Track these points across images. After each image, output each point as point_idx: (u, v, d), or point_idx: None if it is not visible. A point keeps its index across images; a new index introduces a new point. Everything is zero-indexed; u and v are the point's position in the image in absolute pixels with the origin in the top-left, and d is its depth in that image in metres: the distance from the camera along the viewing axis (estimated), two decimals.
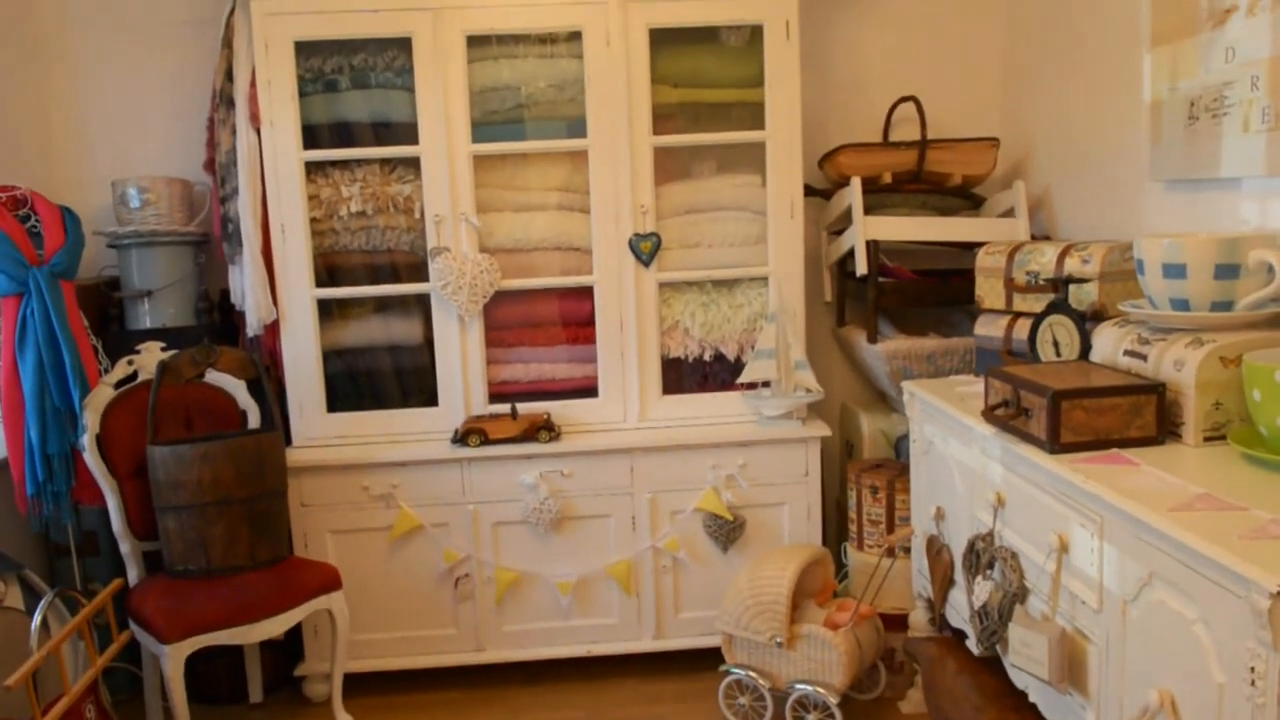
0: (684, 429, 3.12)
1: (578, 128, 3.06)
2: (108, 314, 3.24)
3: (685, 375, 3.24)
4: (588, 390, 3.18)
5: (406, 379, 3.22)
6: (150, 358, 2.93)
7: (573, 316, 3.18)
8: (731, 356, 3.21)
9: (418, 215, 3.08)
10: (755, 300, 3.17)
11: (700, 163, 3.21)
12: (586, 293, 3.13)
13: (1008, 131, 3.44)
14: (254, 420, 3.03)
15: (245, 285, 3.00)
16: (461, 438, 3.03)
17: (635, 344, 3.12)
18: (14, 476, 2.81)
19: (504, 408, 3.10)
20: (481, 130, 3.04)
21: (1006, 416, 2.13)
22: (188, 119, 3.32)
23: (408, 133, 3.04)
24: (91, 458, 2.79)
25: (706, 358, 3.20)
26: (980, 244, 2.95)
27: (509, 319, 3.16)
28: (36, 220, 2.83)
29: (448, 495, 3.04)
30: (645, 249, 3.08)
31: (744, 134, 3.09)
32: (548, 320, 3.18)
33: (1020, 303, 2.72)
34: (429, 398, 3.16)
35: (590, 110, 3.03)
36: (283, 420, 3.14)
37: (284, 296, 3.06)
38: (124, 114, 3.37)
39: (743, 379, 3.14)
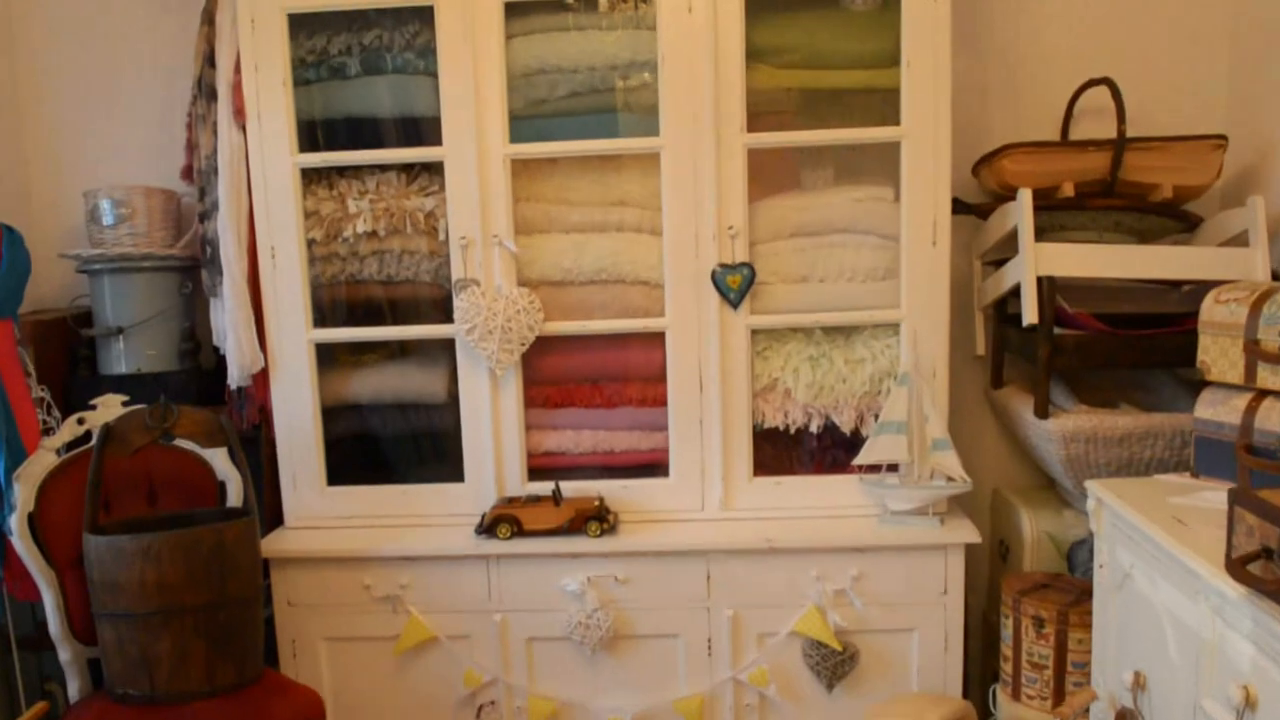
0: (780, 523, 2.48)
1: (648, 123, 2.47)
2: (76, 355, 2.83)
3: (785, 451, 2.60)
4: (655, 468, 2.57)
5: (426, 446, 2.67)
6: (106, 415, 2.49)
7: (638, 370, 2.58)
8: (847, 428, 2.56)
9: (443, 237, 2.54)
10: (881, 354, 2.52)
11: (811, 169, 2.57)
12: (656, 340, 2.52)
13: (1238, 126, 2.67)
14: (235, 494, 2.56)
15: (226, 324, 2.53)
16: (488, 527, 2.48)
17: (718, 409, 2.51)
18: None
19: (546, 487, 2.54)
20: (523, 126, 2.47)
21: (1272, 582, 1.45)
22: (178, 117, 2.85)
23: (433, 130, 2.51)
24: (22, 543, 2.33)
25: (813, 429, 2.56)
26: (1193, 282, 2.25)
27: (555, 372, 2.59)
28: None
29: (470, 600, 2.48)
30: (734, 284, 2.47)
31: (872, 131, 2.43)
32: (605, 374, 2.59)
33: (1269, 376, 2.00)
34: (453, 471, 2.62)
35: (665, 99, 2.43)
36: (273, 494, 2.68)
37: (274, 339, 2.56)
38: (103, 110, 2.94)
39: (861, 460, 2.49)
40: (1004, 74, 2.79)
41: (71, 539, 2.36)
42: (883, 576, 2.42)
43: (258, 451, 2.70)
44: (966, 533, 2.41)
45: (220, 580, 2.25)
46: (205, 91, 2.50)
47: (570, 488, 2.53)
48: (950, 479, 2.43)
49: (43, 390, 2.56)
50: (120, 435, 2.30)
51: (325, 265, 2.59)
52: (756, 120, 2.44)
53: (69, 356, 2.81)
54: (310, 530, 2.62)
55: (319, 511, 2.62)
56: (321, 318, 2.59)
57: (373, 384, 2.65)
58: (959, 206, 2.60)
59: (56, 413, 2.59)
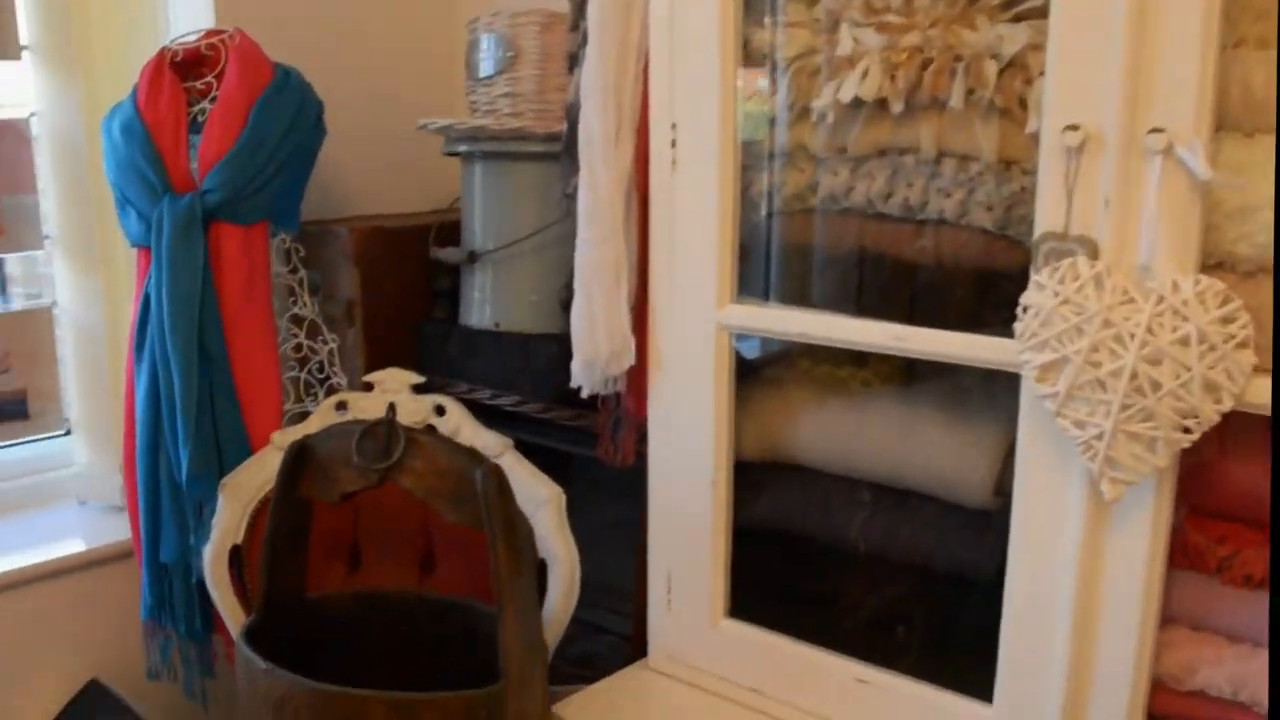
0: None
1: None
2: (437, 289, 2.02)
3: None
4: None
5: (927, 595, 1.38)
6: (374, 401, 1.61)
7: None
8: None
9: (1037, 125, 1.20)
10: None
11: None
12: None
13: None
14: (562, 585, 1.54)
15: (578, 272, 1.49)
16: None
17: None
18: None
19: None
20: None
21: None
22: None
23: None
24: (217, 591, 1.57)
25: None
26: None
27: (1254, 502, 1.15)
28: (211, 101, 1.67)
29: None
30: None
31: None
32: None
33: None
34: (975, 668, 1.29)
35: None
36: (637, 608, 1.60)
37: (660, 313, 1.43)
38: None
39: None
40: None
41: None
42: None
43: (638, 506, 1.65)
44: None
45: None
46: None
47: None
48: None
49: (323, 342, 1.76)
50: (322, 465, 1.38)
51: (777, 175, 1.40)
52: None
53: (429, 291, 2.02)
54: (680, 687, 1.50)
55: (703, 657, 1.46)
56: (755, 282, 1.44)
57: (839, 433, 1.42)
58: None
59: (340, 376, 1.78)
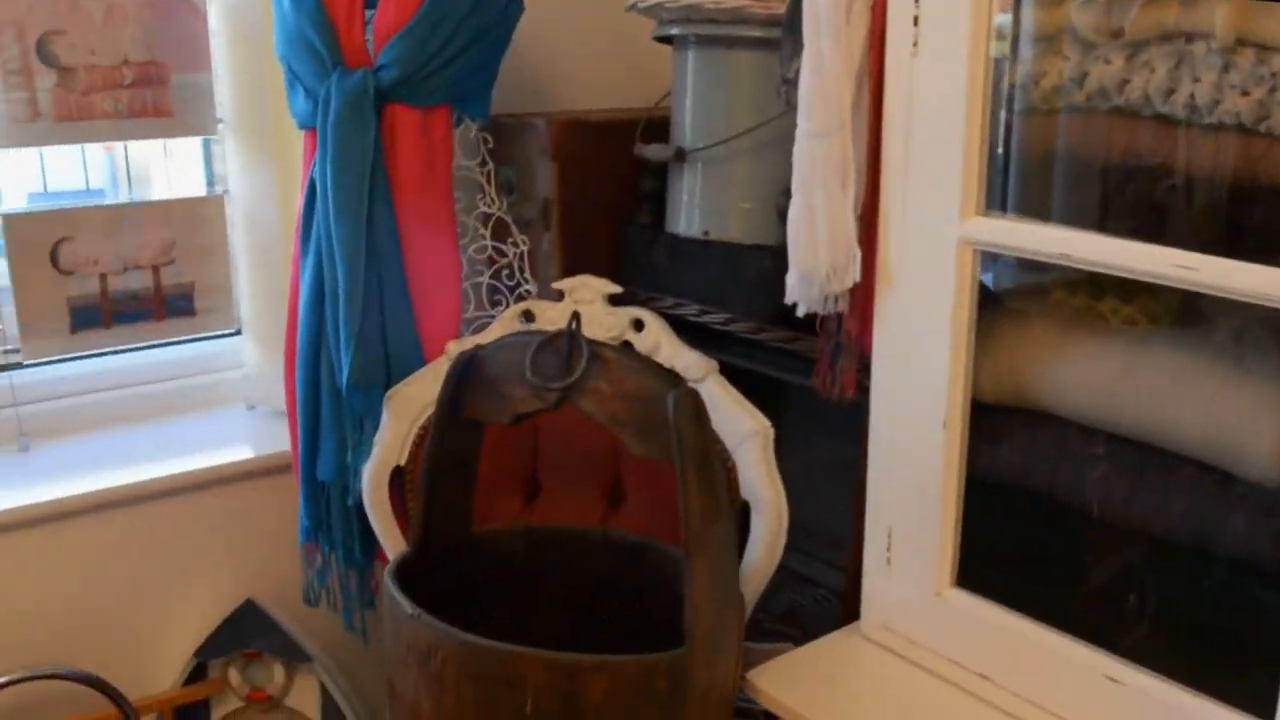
0: None
1: None
2: (641, 190, 2.02)
3: None
4: None
5: (1206, 582, 1.30)
6: (564, 312, 1.63)
7: None
8: None
9: None
10: None
11: None
12: None
13: None
14: (769, 529, 1.55)
15: (796, 169, 1.46)
16: None
17: None
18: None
19: None
20: None
21: None
22: None
23: None
24: (376, 516, 1.66)
25: None
26: None
27: None
28: None
29: None
30: None
31: None
32: None
33: None
34: (1257, 677, 1.21)
35: None
36: (852, 564, 1.59)
37: (892, 224, 1.41)
38: None
39: None
40: None
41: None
42: None
43: (857, 447, 1.64)
44: None
45: None
46: None
47: None
48: None
49: (513, 245, 1.80)
50: (492, 381, 1.41)
51: (1031, 64, 1.35)
52: None
53: (634, 193, 2.04)
54: (896, 661, 1.50)
55: (925, 630, 1.46)
56: (993, 194, 1.38)
57: (1097, 380, 1.36)
58: None
59: (530, 283, 1.82)
